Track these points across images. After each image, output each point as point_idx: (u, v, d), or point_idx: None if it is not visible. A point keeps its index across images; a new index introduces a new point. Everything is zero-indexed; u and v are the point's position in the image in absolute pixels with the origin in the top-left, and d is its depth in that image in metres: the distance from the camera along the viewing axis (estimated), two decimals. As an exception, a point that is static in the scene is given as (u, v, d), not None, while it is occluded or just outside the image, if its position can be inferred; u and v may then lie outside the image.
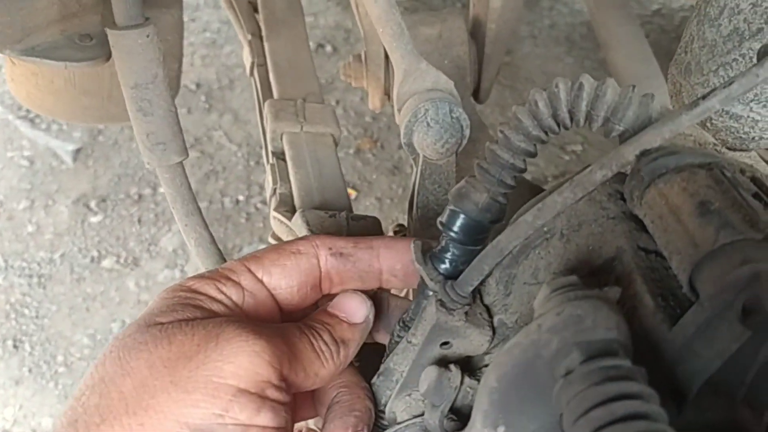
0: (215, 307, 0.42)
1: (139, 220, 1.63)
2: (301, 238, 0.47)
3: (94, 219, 1.62)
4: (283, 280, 0.44)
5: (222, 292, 0.43)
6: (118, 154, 1.75)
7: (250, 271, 0.44)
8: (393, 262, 0.47)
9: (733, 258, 0.31)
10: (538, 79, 2.12)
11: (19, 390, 1.35)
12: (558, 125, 0.41)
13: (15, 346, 1.40)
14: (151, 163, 0.55)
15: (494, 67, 1.08)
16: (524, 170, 0.43)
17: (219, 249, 0.63)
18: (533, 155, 0.43)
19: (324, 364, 0.43)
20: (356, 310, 0.45)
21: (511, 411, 0.35)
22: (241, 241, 1.62)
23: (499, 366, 0.35)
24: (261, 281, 0.44)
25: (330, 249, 0.46)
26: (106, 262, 1.54)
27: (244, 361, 0.38)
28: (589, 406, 0.29)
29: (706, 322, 0.32)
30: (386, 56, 1.03)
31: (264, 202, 1.70)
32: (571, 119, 0.41)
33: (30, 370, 1.37)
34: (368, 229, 0.68)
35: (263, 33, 0.96)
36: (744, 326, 0.30)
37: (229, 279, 0.43)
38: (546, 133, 0.42)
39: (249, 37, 0.97)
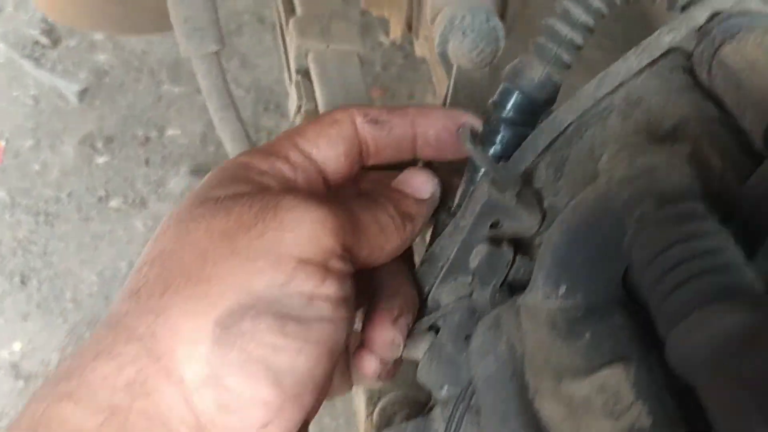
0: (268, 180, 0.40)
1: (147, 162, 1.61)
2: (335, 109, 0.45)
3: (100, 159, 1.60)
4: (330, 150, 0.43)
5: (273, 166, 0.41)
6: (124, 96, 1.73)
7: (297, 147, 0.43)
8: (426, 129, 0.45)
9: (817, 105, 0.30)
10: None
11: (28, 325, 1.34)
12: None
13: (23, 282, 1.39)
14: (187, 51, 0.53)
15: (518, -1, 1.06)
16: (581, 47, 0.42)
17: (253, 143, 0.61)
18: (592, 31, 0.41)
19: (389, 238, 0.41)
20: (423, 184, 0.43)
21: (573, 269, 0.34)
22: (249, 185, 1.60)
23: (565, 222, 0.34)
24: (309, 156, 0.43)
25: (365, 115, 0.44)
26: (114, 202, 1.53)
27: (305, 230, 0.36)
28: (667, 244, 0.28)
29: (784, 174, 0.31)
30: (409, -16, 1.01)
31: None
32: None
33: (38, 306, 1.37)
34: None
35: (284, -46, 0.93)
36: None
37: (278, 156, 0.42)
38: (606, 4, 0.40)
39: (270, -43, 0.94)
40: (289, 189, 0.40)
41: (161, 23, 0.95)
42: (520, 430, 0.29)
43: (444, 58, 0.66)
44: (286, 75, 0.86)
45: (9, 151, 1.60)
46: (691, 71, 0.39)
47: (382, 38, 1.95)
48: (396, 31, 1.05)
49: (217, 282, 0.34)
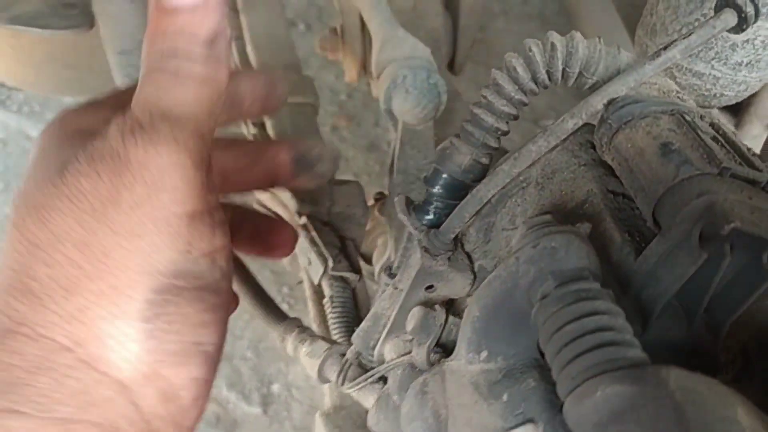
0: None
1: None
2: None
3: (70, 199, 1.61)
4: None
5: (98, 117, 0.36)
6: (92, 134, 1.74)
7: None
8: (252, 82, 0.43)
9: (690, 191, 0.35)
10: (510, 56, 2.14)
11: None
12: (537, 86, 0.44)
13: None
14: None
15: (469, 38, 1.11)
16: (507, 132, 0.46)
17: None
18: (516, 118, 0.45)
19: (192, 77, 0.33)
20: None
21: (492, 337, 0.38)
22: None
23: (482, 297, 0.38)
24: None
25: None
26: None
27: (179, 181, 0.32)
28: (563, 323, 0.33)
29: (668, 250, 0.35)
30: (362, 28, 1.05)
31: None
32: (549, 78, 0.44)
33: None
34: (351, 192, 0.71)
35: (239, 6, 0.97)
36: (701, 250, 0.33)
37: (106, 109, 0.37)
38: (526, 95, 0.44)
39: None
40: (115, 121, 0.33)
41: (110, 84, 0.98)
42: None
43: (389, 114, 0.71)
44: (243, 128, 0.90)
45: (-22, 195, 1.61)
46: (597, 147, 0.44)
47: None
48: (351, 74, 1.09)
49: (120, 271, 0.32)
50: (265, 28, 0.94)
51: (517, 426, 0.34)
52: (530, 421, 0.34)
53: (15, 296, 0.32)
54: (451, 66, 1.13)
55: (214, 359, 0.35)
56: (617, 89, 0.41)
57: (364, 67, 1.11)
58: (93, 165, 0.32)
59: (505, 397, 0.36)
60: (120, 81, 0.54)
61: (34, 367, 0.32)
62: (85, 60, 0.76)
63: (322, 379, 0.53)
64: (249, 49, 0.92)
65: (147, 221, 0.32)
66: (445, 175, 0.46)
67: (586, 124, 0.44)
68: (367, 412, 0.53)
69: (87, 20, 0.53)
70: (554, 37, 0.43)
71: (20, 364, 0.32)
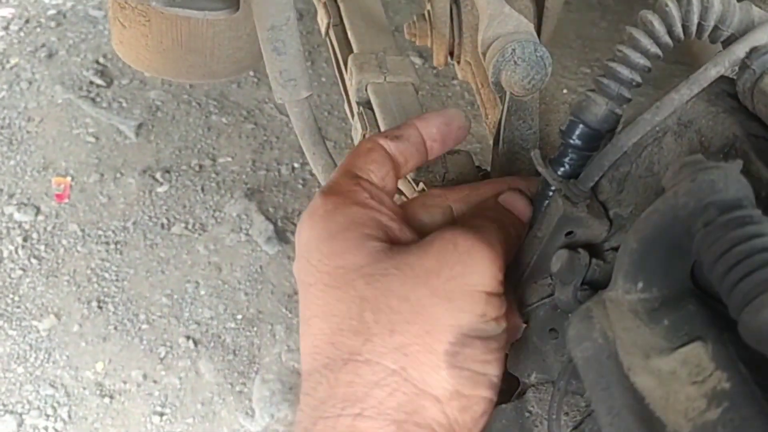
0: (386, 221, 0.49)
1: (203, 189, 1.71)
2: (363, 141, 0.55)
3: (160, 189, 1.70)
4: (379, 174, 0.52)
5: (380, 205, 0.50)
6: (176, 128, 1.83)
7: (366, 182, 0.51)
8: (429, 129, 0.55)
9: None
10: (574, 44, 2.16)
11: (107, 346, 1.44)
12: (673, 40, 0.47)
13: (99, 307, 1.50)
14: (282, 98, 0.62)
15: (552, 21, 1.13)
16: (641, 84, 0.49)
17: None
18: (650, 70, 0.48)
19: (509, 256, 0.52)
20: (524, 210, 0.54)
21: (648, 268, 0.41)
22: (299, 206, 1.70)
23: (639, 230, 0.41)
24: (376, 184, 0.51)
25: (386, 137, 0.53)
26: (176, 229, 1.63)
27: (485, 270, 0.46)
28: (731, 245, 0.35)
29: (822, 181, 0.38)
30: (451, 15, 1.09)
31: (318, 169, 1.77)
32: (684, 32, 0.47)
33: (115, 328, 1.47)
34: (462, 161, 0.74)
35: (337, -6, 1.02)
36: None
37: (363, 196, 0.50)
38: (661, 48, 0.47)
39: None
40: (449, 227, 0.49)
41: (233, 69, 1.05)
42: (623, 396, 0.36)
43: (497, 86, 0.74)
44: (347, 107, 0.94)
45: (76, 186, 1.71)
46: (734, 96, 0.46)
47: (414, 59, 2.04)
48: (439, 59, 1.13)
49: (433, 321, 0.44)
50: (363, 14, 0.99)
51: (685, 344, 0.37)
52: (698, 338, 0.37)
53: (345, 335, 0.44)
54: (536, 47, 1.16)
55: (496, 385, 0.47)
56: (760, 38, 0.43)
57: (451, 52, 1.14)
58: (422, 246, 0.46)
59: (666, 322, 0.40)
60: (268, 55, 0.59)
61: (371, 384, 0.43)
62: (208, 45, 0.82)
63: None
64: (349, 34, 0.97)
65: (458, 291, 0.45)
66: (581, 126, 0.49)
67: (719, 77, 0.47)
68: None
69: (234, 3, 0.58)
70: (691, -9, 0.46)
71: (360, 382, 0.43)
